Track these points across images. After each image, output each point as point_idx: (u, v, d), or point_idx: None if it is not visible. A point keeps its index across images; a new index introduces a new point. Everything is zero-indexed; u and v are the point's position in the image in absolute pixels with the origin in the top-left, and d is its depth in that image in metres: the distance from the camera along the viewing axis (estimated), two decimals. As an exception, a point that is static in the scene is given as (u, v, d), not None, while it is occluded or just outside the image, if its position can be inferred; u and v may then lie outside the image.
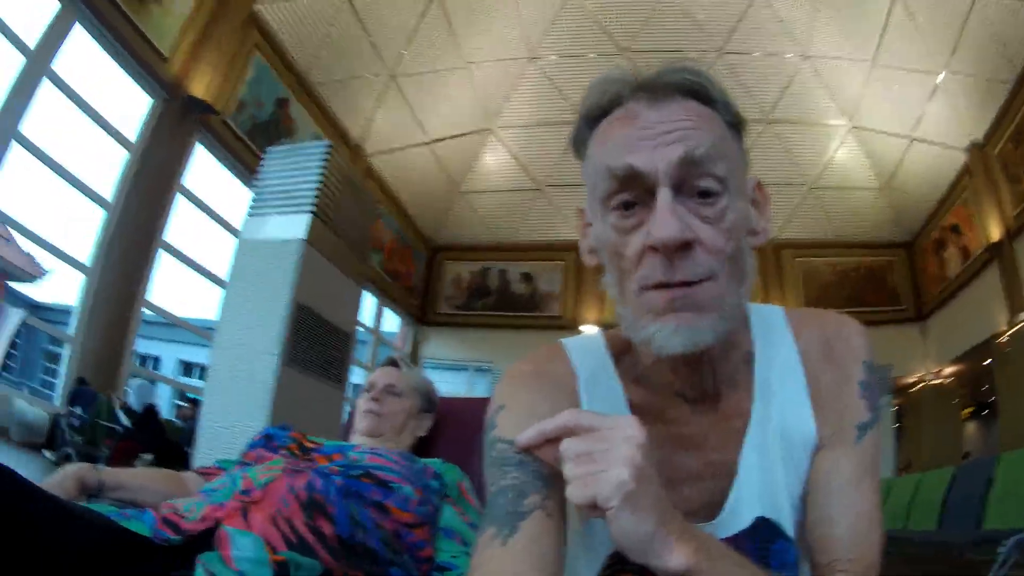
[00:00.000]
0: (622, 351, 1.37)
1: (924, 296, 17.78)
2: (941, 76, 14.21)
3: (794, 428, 1.28)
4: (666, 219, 1.09)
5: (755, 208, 1.29)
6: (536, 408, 1.24)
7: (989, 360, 14.65)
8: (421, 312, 20.36)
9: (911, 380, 17.58)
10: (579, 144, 1.31)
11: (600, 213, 1.22)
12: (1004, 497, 6.37)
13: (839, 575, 1.17)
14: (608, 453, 0.99)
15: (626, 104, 1.23)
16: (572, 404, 1.30)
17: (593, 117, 1.27)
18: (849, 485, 1.23)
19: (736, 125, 1.26)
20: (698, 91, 1.21)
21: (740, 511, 1.24)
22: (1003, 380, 14.18)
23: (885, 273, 18.71)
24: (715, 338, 1.14)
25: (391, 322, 19.87)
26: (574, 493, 1.00)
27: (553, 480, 1.13)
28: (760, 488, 1.25)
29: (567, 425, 1.07)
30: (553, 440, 1.08)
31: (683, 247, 1.10)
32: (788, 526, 1.23)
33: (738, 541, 1.20)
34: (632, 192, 1.16)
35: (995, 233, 14.06)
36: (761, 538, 1.22)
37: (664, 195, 1.11)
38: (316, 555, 1.92)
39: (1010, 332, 13.39)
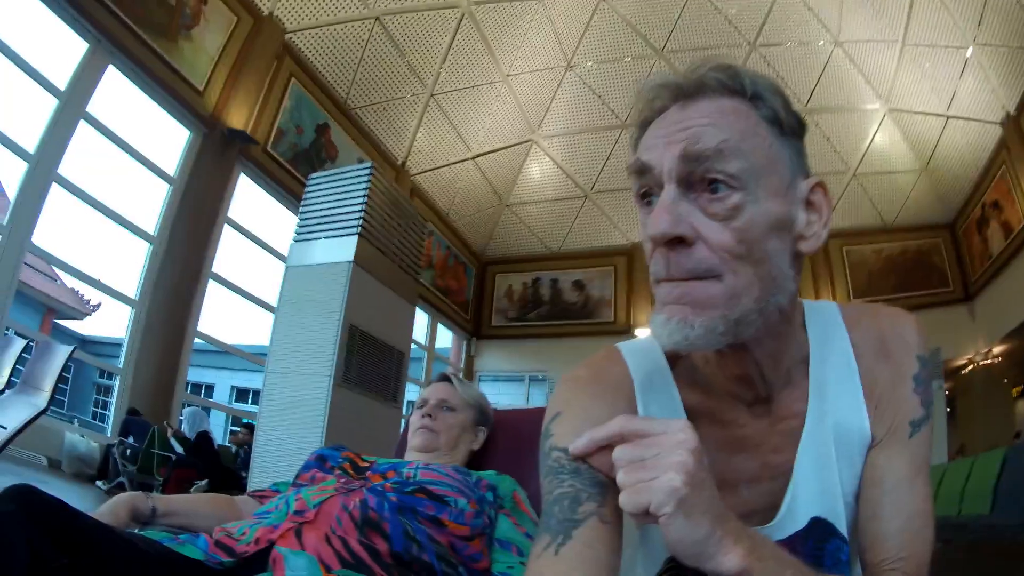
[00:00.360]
0: (677, 354, 1.33)
1: (970, 276, 17.55)
2: (970, 50, 14.10)
3: (849, 426, 1.27)
4: (659, 214, 1.10)
5: (810, 211, 1.22)
6: (592, 413, 1.23)
7: (1038, 337, 14.45)
8: (474, 326, 20.48)
9: (961, 362, 17.40)
10: (636, 147, 1.26)
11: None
12: (1058, 477, 6.29)
13: (891, 573, 1.18)
14: (660, 459, 0.98)
15: (665, 107, 1.21)
16: (629, 408, 1.29)
17: (643, 123, 1.25)
18: (902, 483, 1.23)
19: (779, 120, 1.19)
20: (730, 86, 1.18)
21: (796, 512, 1.24)
22: (1052, 357, 13.99)
23: (930, 256, 18.48)
24: (708, 340, 1.11)
25: (445, 337, 19.94)
26: (627, 501, 0.99)
27: (609, 486, 1.10)
28: (816, 488, 1.24)
29: (619, 431, 1.05)
30: (606, 447, 1.07)
31: (678, 242, 1.10)
32: (842, 525, 1.23)
33: (793, 541, 1.21)
34: (648, 186, 1.17)
35: (1036, 206, 13.64)
36: (815, 538, 1.22)
37: (667, 191, 1.12)
38: (371, 572, 1.92)
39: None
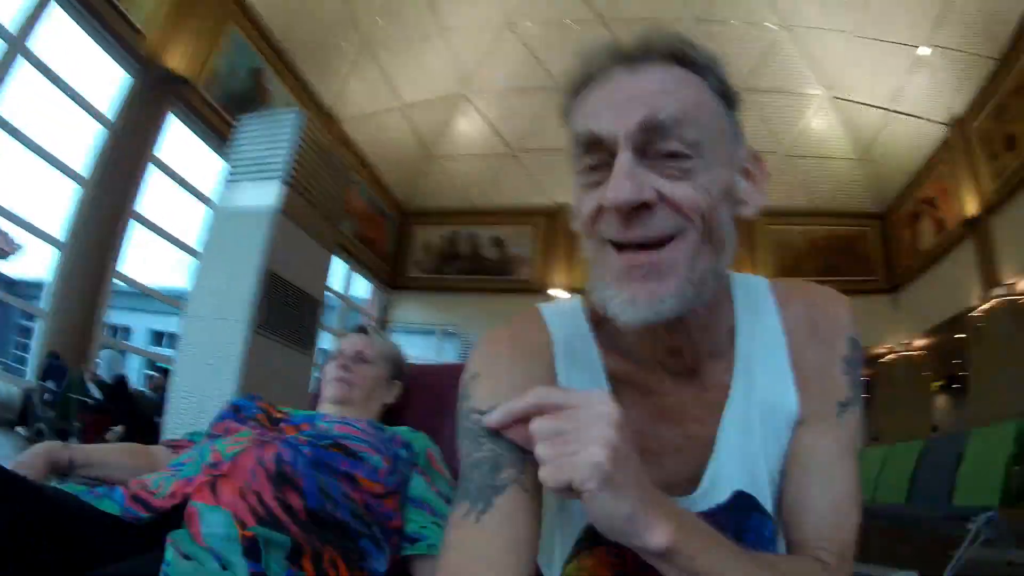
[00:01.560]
0: (602, 318, 1.30)
1: (897, 268, 17.93)
2: (923, 50, 14.27)
3: (776, 402, 1.27)
4: (620, 182, 1.08)
5: (748, 179, 1.26)
6: (511, 377, 1.23)
7: (961, 334, 14.74)
8: (391, 277, 20.49)
9: (881, 351, 17.79)
10: (566, 114, 1.26)
11: (575, 179, 1.20)
12: (974, 473, 6.41)
13: (817, 554, 1.17)
14: (581, 432, 0.96)
15: (607, 72, 1.19)
16: (548, 373, 1.29)
17: (576, 87, 1.23)
18: (829, 464, 1.24)
19: (724, 92, 1.23)
20: (681, 56, 1.19)
21: (719, 484, 1.23)
22: (975, 355, 14.36)
23: (858, 243, 18.85)
24: (679, 306, 1.11)
25: (361, 287, 20.02)
26: (548, 476, 0.97)
27: (530, 452, 1.06)
28: (739, 462, 1.24)
29: (536, 403, 1.03)
30: (523, 420, 1.04)
31: (641, 207, 1.09)
32: (766, 500, 1.23)
33: (715, 515, 1.19)
34: (596, 156, 1.15)
35: (971, 208, 14.18)
36: (738, 512, 1.21)
37: (622, 158, 1.10)
38: (286, 529, 1.90)
39: (984, 307, 13.50)
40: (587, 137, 1.15)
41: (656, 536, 0.95)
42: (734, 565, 1.02)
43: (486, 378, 1.26)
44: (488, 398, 1.19)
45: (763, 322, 1.34)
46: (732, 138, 1.22)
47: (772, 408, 1.27)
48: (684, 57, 1.19)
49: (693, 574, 0.97)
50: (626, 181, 1.07)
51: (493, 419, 1.09)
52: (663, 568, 0.98)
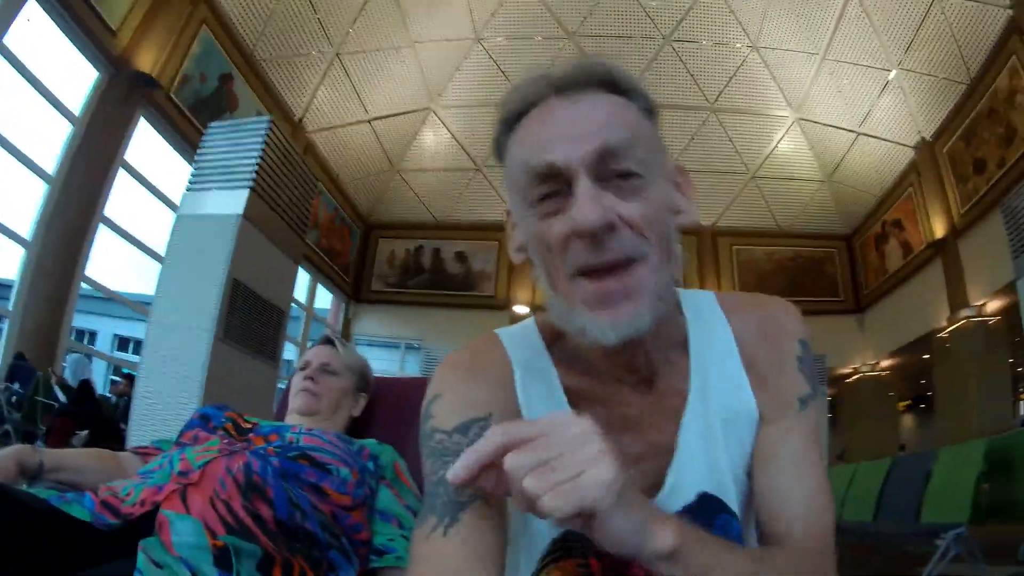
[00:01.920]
0: (554, 338, 1.38)
1: (863, 288, 18.24)
2: (893, 73, 14.53)
3: (734, 406, 1.31)
4: (586, 205, 1.10)
5: (678, 190, 1.30)
6: (472, 395, 1.28)
7: (927, 355, 14.90)
8: (354, 289, 20.58)
9: (846, 371, 18.04)
10: (500, 147, 1.33)
11: (524, 210, 1.24)
12: (942, 491, 6.44)
13: (801, 543, 1.19)
14: (567, 457, 0.93)
15: (541, 104, 1.24)
16: (508, 393, 1.32)
17: (511, 119, 1.29)
18: (799, 458, 1.27)
19: (650, 111, 1.28)
20: (611, 83, 1.24)
21: (683, 487, 1.26)
22: (941, 375, 14.58)
23: (824, 264, 19.11)
24: (650, 322, 1.15)
25: (324, 299, 20.04)
26: (554, 507, 0.90)
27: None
28: (702, 464, 1.27)
29: (503, 442, 0.98)
30: (489, 466, 1.00)
31: (607, 229, 1.12)
32: (731, 501, 1.26)
33: (682, 517, 1.15)
34: (552, 186, 1.17)
35: (939, 230, 14.43)
36: (704, 513, 1.22)
37: (583, 183, 1.13)
38: (256, 539, 1.89)
39: (950, 328, 13.66)
40: (543, 168, 1.17)
41: (664, 539, 0.95)
42: (730, 557, 1.04)
43: (447, 398, 1.29)
44: (451, 416, 1.24)
45: (713, 331, 1.37)
46: (661, 151, 1.26)
47: (732, 412, 1.30)
48: (615, 83, 1.24)
49: (699, 569, 0.98)
50: (593, 205, 1.10)
51: (459, 473, 1.01)
52: (670, 570, 0.98)
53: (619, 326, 1.13)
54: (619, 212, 1.12)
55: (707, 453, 1.27)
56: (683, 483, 1.26)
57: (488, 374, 1.33)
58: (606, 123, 1.16)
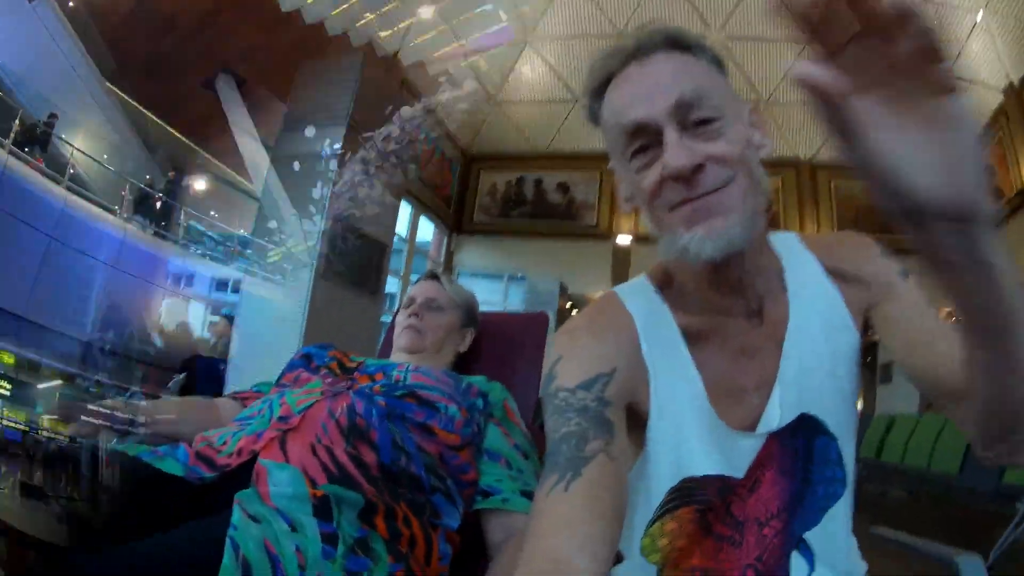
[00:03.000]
0: (665, 283, 1.47)
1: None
2: (980, 14, 14.17)
3: (836, 326, 1.40)
4: (675, 151, 1.22)
5: (754, 128, 1.37)
6: (595, 351, 1.33)
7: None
8: (456, 221, 20.51)
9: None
10: (594, 115, 1.44)
11: (624, 165, 1.35)
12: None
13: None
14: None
15: (621, 71, 1.36)
16: (632, 345, 1.38)
17: (599, 89, 1.41)
18: (926, 314, 1.34)
19: (718, 62, 1.38)
20: (676, 42, 1.35)
21: (785, 408, 1.35)
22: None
23: (920, 202, 18.60)
24: (745, 236, 1.22)
25: (426, 231, 20.01)
26: None
27: (615, 424, 1.22)
28: (801, 388, 1.36)
29: None
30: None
31: (697, 170, 1.22)
32: (831, 423, 1.36)
33: (781, 436, 1.35)
34: (644, 139, 1.28)
35: (1029, 177, 13.95)
36: (805, 434, 1.36)
37: (670, 133, 1.23)
38: (358, 487, 1.86)
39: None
40: (633, 126, 1.29)
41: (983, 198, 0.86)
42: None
43: (571, 358, 1.34)
44: (575, 375, 1.29)
45: (803, 265, 1.46)
46: (734, 97, 1.37)
47: (833, 332, 1.39)
48: (679, 42, 1.35)
49: (983, 259, 0.91)
50: (681, 149, 1.22)
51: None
52: (957, 245, 0.88)
53: (715, 237, 1.20)
54: (706, 152, 1.22)
55: (807, 377, 1.36)
56: (786, 404, 1.35)
57: (609, 329, 1.39)
58: (678, 79, 1.28)
